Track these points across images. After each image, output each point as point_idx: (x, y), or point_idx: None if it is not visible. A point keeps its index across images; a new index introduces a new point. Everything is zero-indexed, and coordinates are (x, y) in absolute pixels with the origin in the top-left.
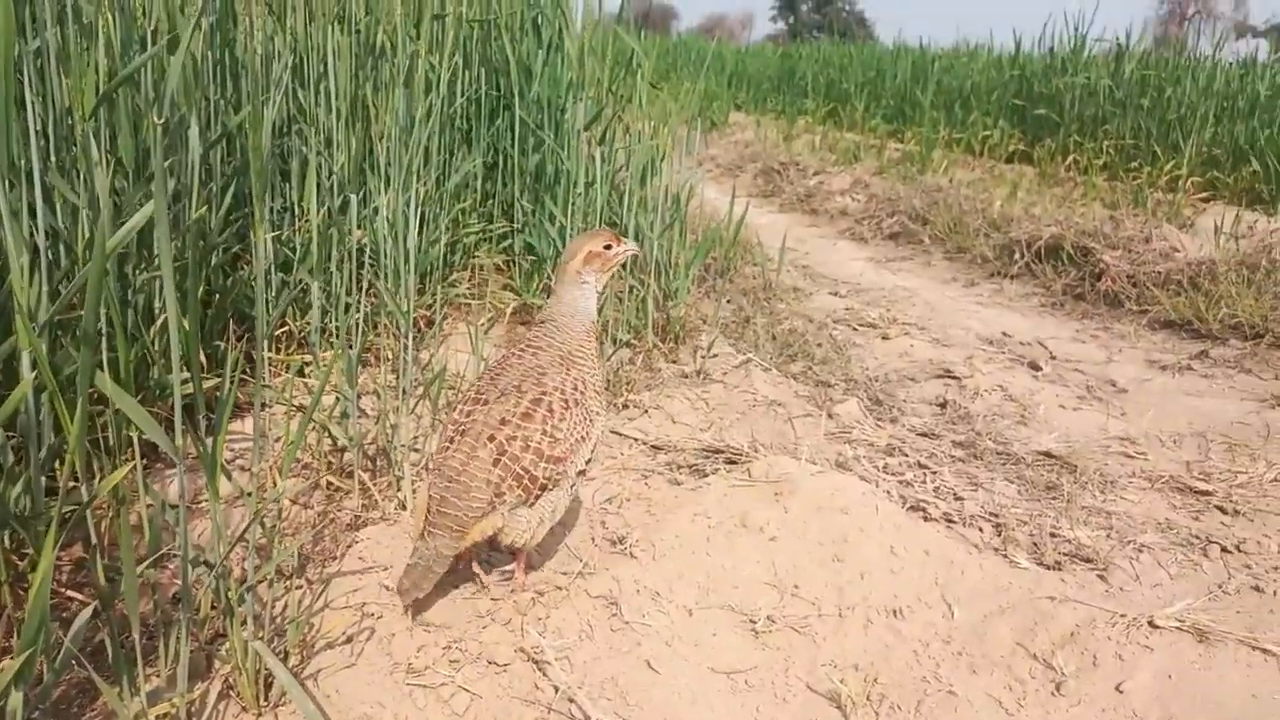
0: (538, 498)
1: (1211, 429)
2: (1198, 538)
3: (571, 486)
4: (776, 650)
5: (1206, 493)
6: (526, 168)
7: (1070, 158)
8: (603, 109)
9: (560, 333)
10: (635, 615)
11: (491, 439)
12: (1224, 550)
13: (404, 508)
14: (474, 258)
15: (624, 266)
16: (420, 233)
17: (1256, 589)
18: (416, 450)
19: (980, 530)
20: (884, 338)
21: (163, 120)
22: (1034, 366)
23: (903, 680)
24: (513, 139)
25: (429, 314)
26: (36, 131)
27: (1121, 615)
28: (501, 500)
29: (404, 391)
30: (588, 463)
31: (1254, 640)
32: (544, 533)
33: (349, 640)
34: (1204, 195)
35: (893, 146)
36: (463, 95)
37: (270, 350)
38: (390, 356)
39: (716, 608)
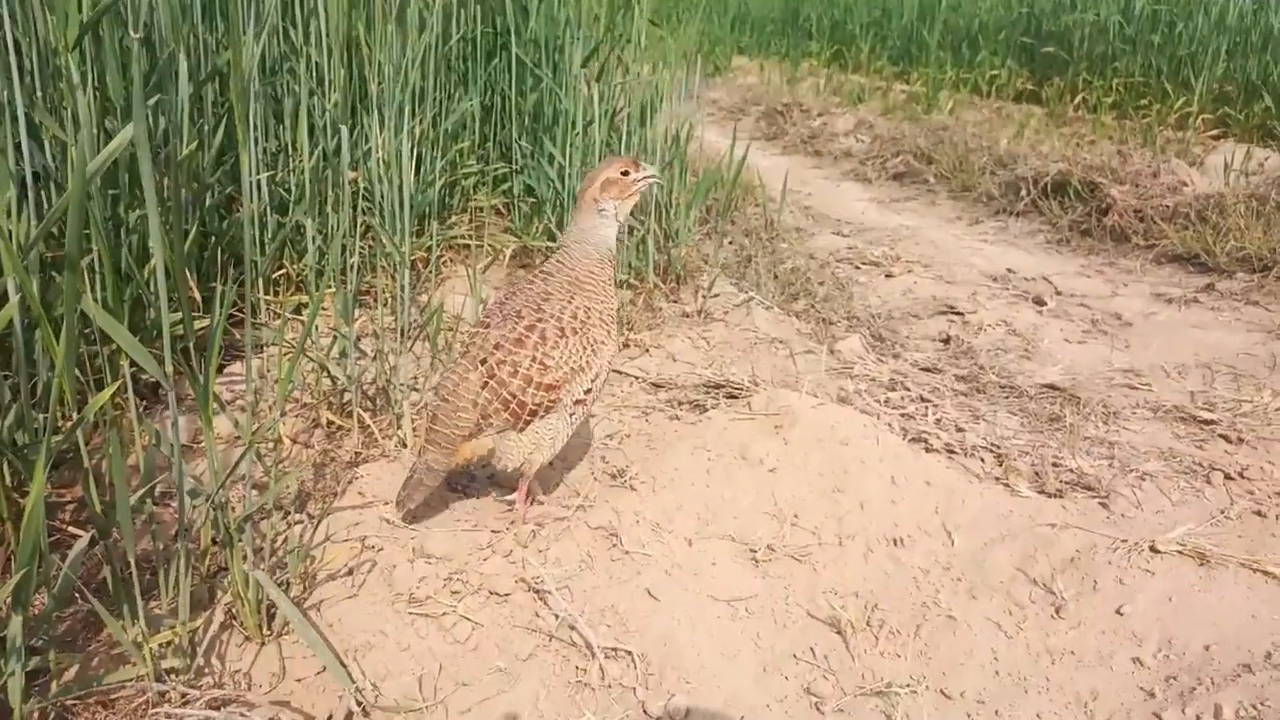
0: (528, 423)
1: (1217, 360)
2: (1200, 465)
3: (571, 417)
4: (776, 579)
5: (1210, 422)
6: (524, 108)
7: (1079, 96)
8: (599, 44)
9: (573, 261)
10: (635, 545)
11: (483, 362)
12: (1227, 477)
13: (404, 445)
14: (472, 200)
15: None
16: (416, 174)
17: (1258, 514)
18: (415, 390)
19: (981, 461)
20: (887, 276)
21: (141, 35)
22: (1038, 302)
23: (902, 606)
24: (510, 79)
25: (426, 256)
26: (22, 70)
27: (1123, 541)
28: (489, 423)
29: (402, 332)
30: (587, 393)
31: (1254, 562)
32: (540, 460)
33: (350, 572)
34: (1215, 133)
35: (899, 88)
36: (458, 34)
37: (268, 293)
38: (388, 298)
39: (716, 538)
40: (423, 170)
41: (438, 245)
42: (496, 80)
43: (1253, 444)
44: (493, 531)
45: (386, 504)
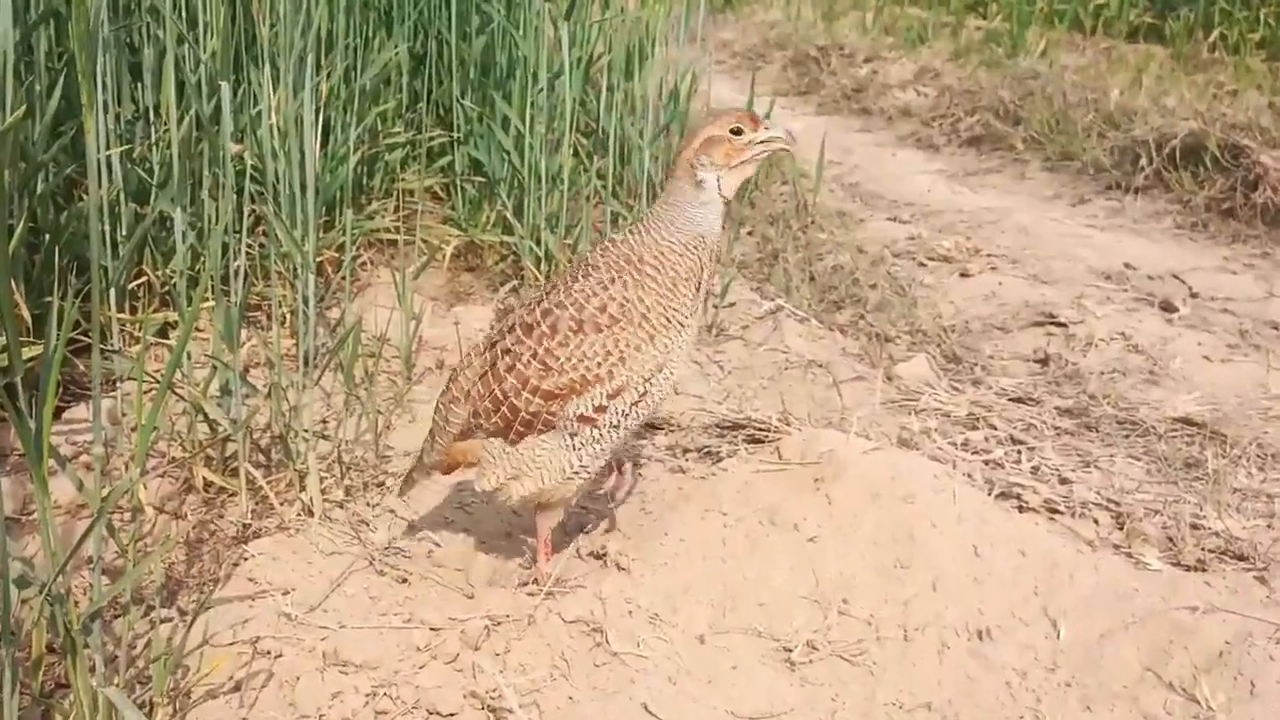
0: (520, 436)
1: None
2: None
3: (574, 440)
4: (820, 686)
5: None
6: (469, 56)
7: (1216, 32)
8: None
9: (647, 236)
10: (626, 644)
11: (492, 345)
12: None
13: (310, 513)
14: (400, 181)
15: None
16: (323, 147)
17: None
18: (325, 437)
19: (1095, 522)
20: (963, 274)
21: None
22: (1167, 307)
23: None
24: (450, 18)
25: (338, 256)
26: None
27: None
28: (478, 424)
29: (306, 359)
30: (599, 410)
31: None
32: (530, 490)
33: (237, 687)
34: None
35: (973, 24)
36: None
37: (122, 310)
38: (287, 314)
39: (737, 632)
40: (332, 141)
41: (354, 242)
42: (431, 20)
43: None
44: (432, 629)
45: (288, 593)
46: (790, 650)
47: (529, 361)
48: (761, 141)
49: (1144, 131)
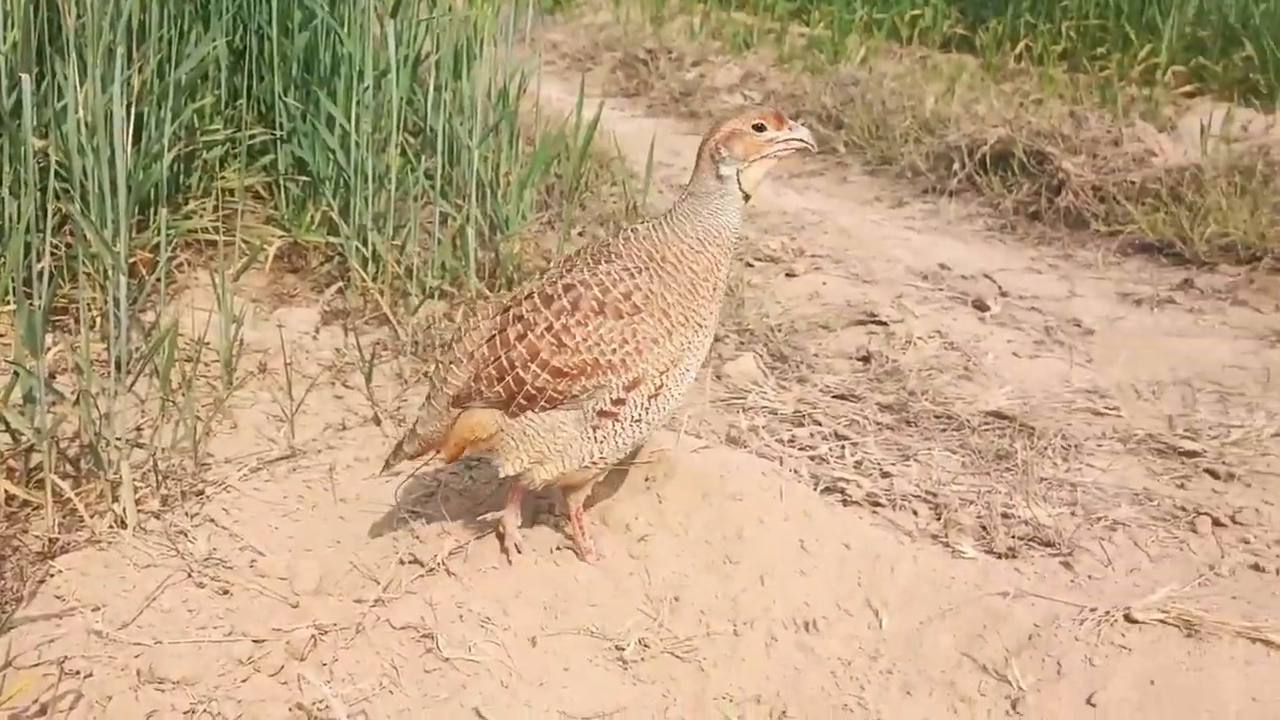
0: (521, 409)
1: (1199, 375)
2: (1183, 509)
3: (596, 433)
4: (652, 684)
5: (1194, 454)
6: (291, 53)
7: (1021, 44)
8: None
9: (670, 230)
10: (457, 649)
11: (505, 310)
12: (1216, 523)
13: (123, 524)
14: (219, 179)
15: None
16: (136, 143)
17: (1256, 568)
18: (140, 446)
19: (915, 514)
20: (788, 275)
21: None
22: (980, 306)
23: (818, 710)
24: (270, 12)
25: (153, 257)
26: None
27: (1091, 610)
28: (478, 390)
29: (118, 365)
30: (617, 403)
31: (1254, 630)
32: (553, 474)
33: (43, 710)
34: (1188, 89)
35: (796, 31)
36: None
37: None
38: (97, 317)
39: (569, 633)
40: (145, 138)
41: (170, 242)
42: (251, 14)
43: (1245, 480)
44: (255, 640)
45: (99, 609)
46: (622, 649)
47: (543, 334)
48: (784, 140)
49: (957, 137)
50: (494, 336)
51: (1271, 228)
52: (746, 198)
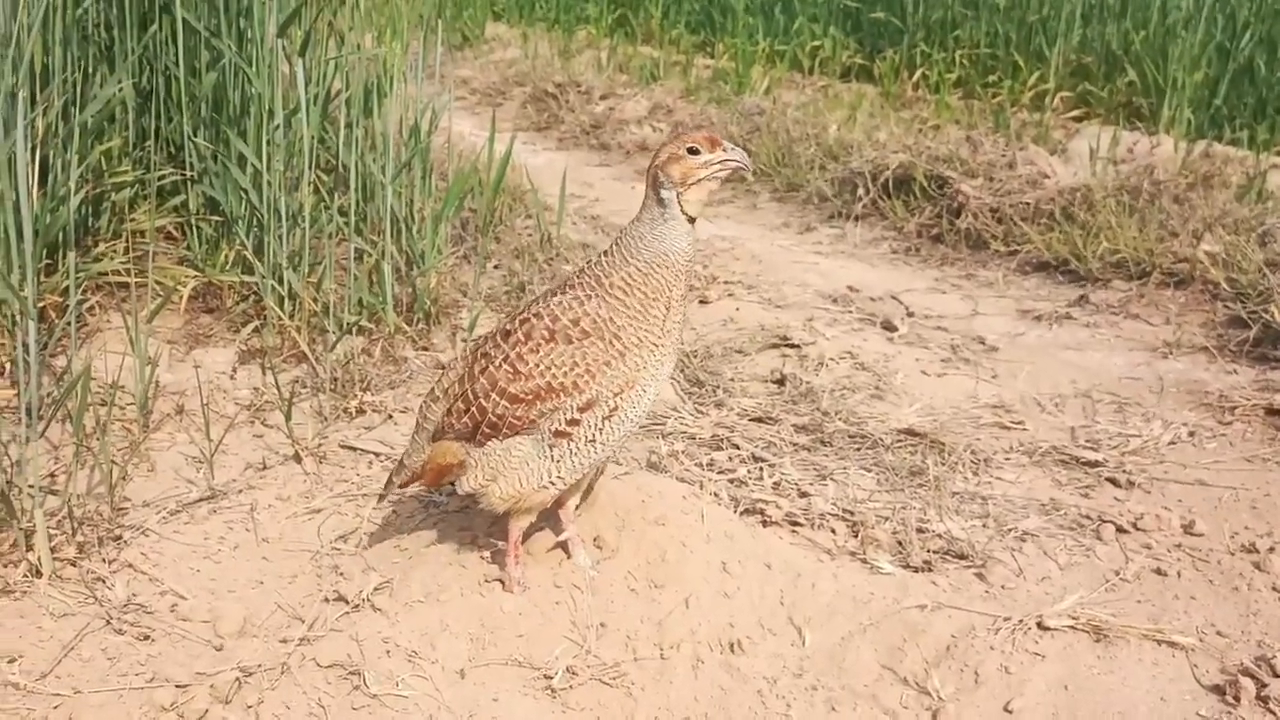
0: (486, 438)
1: (1097, 387)
2: (1088, 518)
3: (553, 451)
4: (581, 711)
5: (1096, 463)
6: (200, 92)
7: (918, 72)
8: (302, 3)
9: (618, 255)
10: (385, 685)
11: (476, 349)
12: (1119, 530)
13: (38, 573)
14: (129, 221)
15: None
16: (42, 186)
17: (1158, 572)
18: (55, 492)
19: (833, 532)
20: (702, 301)
21: None
22: (888, 326)
23: None
24: (177, 52)
25: (63, 300)
26: None
27: (1005, 619)
28: (450, 424)
29: (29, 411)
30: (571, 424)
31: (1158, 633)
32: (509, 492)
33: None
34: (1075, 113)
35: (701, 63)
36: None
37: None
38: (6, 363)
39: (497, 663)
40: (52, 181)
41: (79, 285)
42: (157, 54)
43: (1145, 487)
44: (178, 685)
45: (14, 660)
46: (550, 678)
47: (500, 364)
48: (719, 162)
49: (860, 164)
50: (464, 374)
51: (1158, 244)
52: (691, 221)
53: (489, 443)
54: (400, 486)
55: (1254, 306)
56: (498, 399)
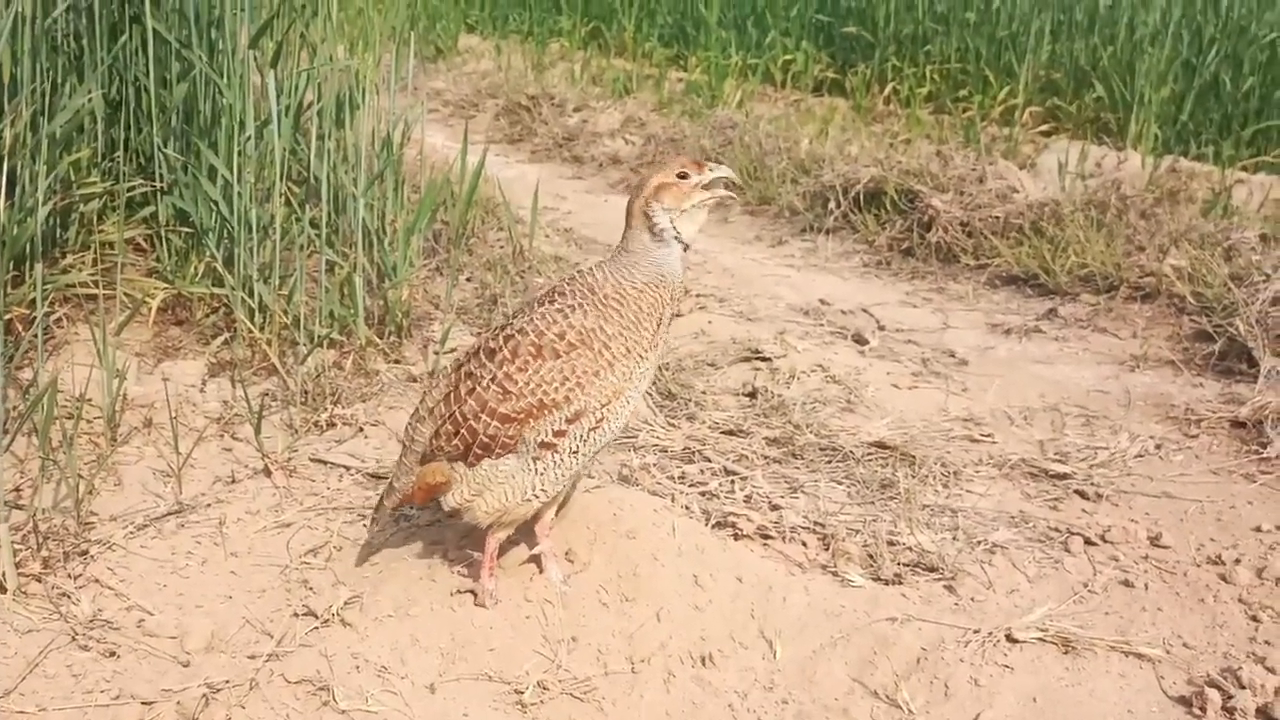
0: (479, 458)
1: (1066, 400)
2: (1057, 530)
3: (537, 464)
4: None
5: (1064, 476)
6: (170, 103)
7: (889, 87)
8: (274, 15)
9: (606, 274)
10: (354, 700)
11: (459, 367)
12: (1087, 542)
13: (1, 589)
14: (98, 232)
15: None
16: (9, 197)
17: (1126, 584)
18: (20, 506)
19: (804, 545)
20: (674, 315)
21: None
22: (859, 340)
23: None
24: (147, 63)
25: (30, 313)
26: None
27: (975, 631)
28: (439, 446)
29: None
30: (558, 435)
31: (1125, 644)
32: (487, 510)
33: None
34: (1045, 128)
35: (674, 76)
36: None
37: None
38: None
39: (467, 678)
40: (19, 192)
41: (47, 297)
42: (127, 64)
43: (1113, 499)
44: (144, 703)
45: None
46: (521, 692)
47: (488, 385)
48: (709, 180)
49: (832, 177)
50: (449, 394)
51: (1126, 258)
52: (685, 247)
53: (481, 462)
54: (391, 510)
55: (1219, 320)
56: (488, 420)
